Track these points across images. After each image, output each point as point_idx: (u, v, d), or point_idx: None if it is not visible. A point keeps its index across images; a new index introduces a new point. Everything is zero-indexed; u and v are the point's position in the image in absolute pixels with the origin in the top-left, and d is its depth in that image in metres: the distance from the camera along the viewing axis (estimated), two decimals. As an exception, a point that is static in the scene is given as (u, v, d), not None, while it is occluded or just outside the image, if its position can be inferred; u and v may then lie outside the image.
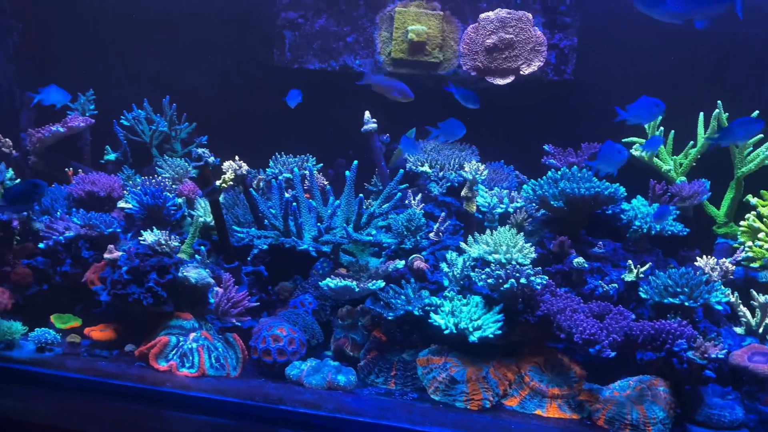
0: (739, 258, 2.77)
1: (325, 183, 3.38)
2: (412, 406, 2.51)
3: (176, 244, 2.67)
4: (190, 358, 2.65)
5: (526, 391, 2.58)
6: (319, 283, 2.74)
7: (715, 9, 2.34)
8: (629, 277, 2.68)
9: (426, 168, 3.23)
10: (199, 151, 2.72)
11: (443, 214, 3.02)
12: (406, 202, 3.14)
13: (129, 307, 2.70)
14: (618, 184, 2.84)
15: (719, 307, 2.51)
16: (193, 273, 2.70)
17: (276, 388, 2.58)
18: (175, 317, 2.73)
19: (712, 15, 2.38)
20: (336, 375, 2.61)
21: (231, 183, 2.81)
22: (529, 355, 2.65)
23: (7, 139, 3.22)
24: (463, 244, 2.80)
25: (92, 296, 2.92)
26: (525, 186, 2.94)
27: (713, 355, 2.33)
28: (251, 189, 2.98)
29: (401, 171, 2.99)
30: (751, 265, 2.79)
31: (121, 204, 2.96)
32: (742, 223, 2.85)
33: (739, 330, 2.62)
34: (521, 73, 3.25)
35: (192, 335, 2.69)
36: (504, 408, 2.53)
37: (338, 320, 2.90)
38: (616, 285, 2.67)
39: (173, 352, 2.66)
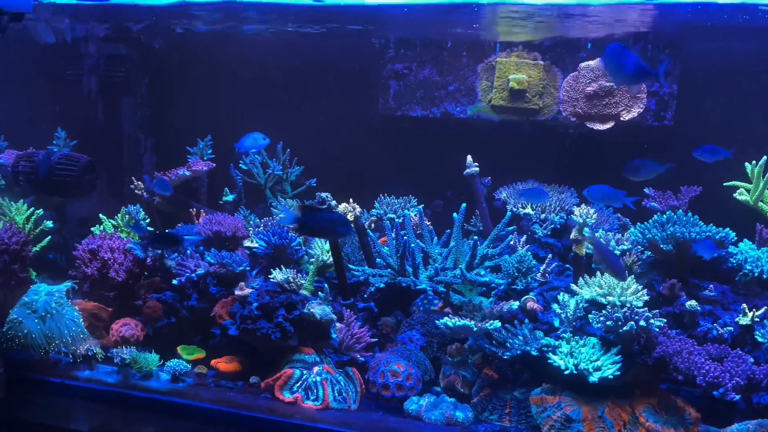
0: None
1: (428, 223, 3.53)
2: (533, 445, 2.59)
3: (303, 281, 2.85)
4: (315, 390, 2.80)
5: (641, 431, 2.63)
6: (436, 321, 2.86)
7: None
8: (744, 321, 2.72)
9: (529, 210, 3.36)
10: (323, 195, 2.92)
11: (549, 255, 3.13)
12: (511, 243, 3.25)
13: (256, 341, 2.88)
14: (728, 228, 2.90)
15: (842, 353, 2.53)
16: (318, 309, 2.87)
17: (398, 422, 2.70)
18: (297, 351, 2.90)
19: None
20: (454, 411, 2.71)
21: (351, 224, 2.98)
22: (641, 396, 2.69)
23: (140, 182, 3.51)
24: (574, 286, 2.89)
25: (209, 327, 3.12)
26: (632, 229, 3.02)
27: (840, 401, 2.35)
28: (369, 231, 3.16)
29: (509, 213, 3.11)
30: None
31: (247, 243, 3.17)
32: None
33: None
34: (621, 119, 3.36)
35: (315, 369, 2.84)
36: (620, 448, 2.58)
37: (447, 357, 3.00)
38: (731, 328, 2.72)
39: (298, 384, 2.82)
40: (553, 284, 3.06)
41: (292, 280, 2.84)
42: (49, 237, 3.49)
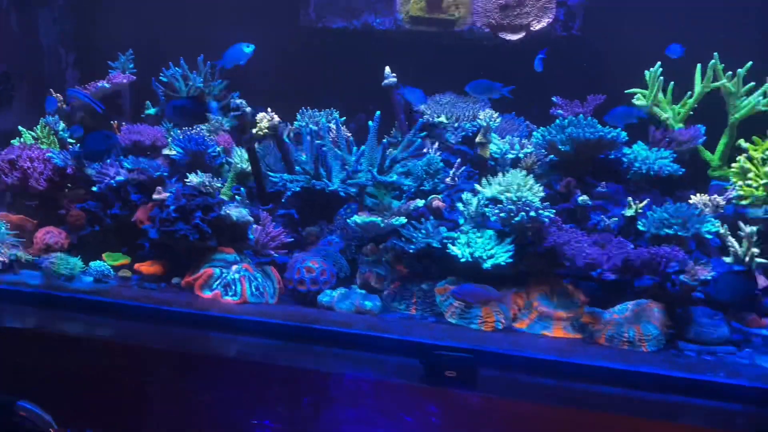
0: (731, 196, 3.03)
1: (348, 135, 3.65)
2: (433, 326, 2.81)
3: (218, 185, 2.96)
4: (233, 287, 2.96)
5: (534, 314, 2.87)
6: (347, 220, 3.02)
7: None
8: (629, 213, 2.95)
9: (443, 119, 3.50)
10: (237, 101, 3.00)
11: (459, 160, 3.30)
12: (425, 150, 3.40)
13: (176, 242, 3.00)
14: (620, 129, 3.10)
15: (709, 236, 2.78)
16: (234, 211, 3.00)
17: (311, 312, 2.88)
18: (218, 251, 3.04)
19: None
20: (363, 301, 2.91)
21: (266, 131, 3.08)
22: (536, 285, 2.92)
23: (59, 94, 3.51)
24: (477, 186, 3.07)
25: (137, 238, 3.23)
26: (535, 132, 3.20)
27: (702, 277, 2.62)
28: (285, 138, 3.26)
29: (420, 120, 3.25)
30: (741, 202, 3.04)
31: (166, 151, 3.25)
32: (733, 164, 3.10)
33: (728, 260, 2.87)
34: (531, 29, 3.49)
35: (234, 267, 3.00)
36: (514, 329, 2.82)
37: (364, 257, 3.18)
38: (616, 219, 2.95)
39: (217, 282, 2.97)
40: (461, 187, 3.23)
41: (207, 183, 2.94)
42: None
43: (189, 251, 3.03)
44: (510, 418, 2.27)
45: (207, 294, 2.95)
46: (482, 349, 2.52)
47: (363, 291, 2.99)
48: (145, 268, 3.12)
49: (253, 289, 2.97)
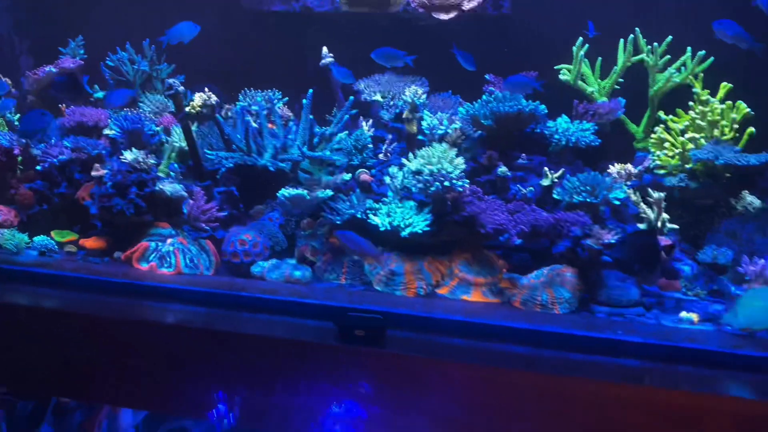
0: (648, 165, 3.14)
1: (290, 115, 3.77)
2: (358, 293, 2.93)
3: (153, 162, 3.09)
4: (168, 259, 3.09)
5: (455, 281, 2.99)
6: (277, 194, 3.15)
7: None
8: (546, 182, 3.06)
9: (378, 97, 3.61)
10: (170, 80, 3.12)
11: (390, 136, 3.41)
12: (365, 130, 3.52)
13: (114, 217, 3.13)
14: (538, 102, 3.20)
15: (617, 202, 2.89)
16: (169, 187, 3.13)
17: (243, 282, 3.01)
18: (154, 226, 3.17)
19: None
20: (293, 270, 3.04)
21: (199, 109, 3.21)
22: (459, 253, 3.04)
23: (7, 79, 3.65)
24: (404, 160, 3.18)
25: (87, 218, 3.36)
26: (460, 108, 3.31)
27: (606, 241, 2.73)
28: (218, 116, 3.38)
29: (351, 98, 3.37)
30: (659, 171, 3.15)
31: (106, 131, 3.38)
32: (652, 135, 3.21)
33: (642, 226, 2.98)
34: (462, 8, 3.59)
35: (169, 240, 3.13)
36: (436, 295, 2.93)
37: (301, 231, 3.31)
38: (533, 188, 3.06)
39: (153, 254, 3.11)
40: (393, 162, 3.35)
41: (141, 160, 3.07)
42: None
43: (127, 226, 3.17)
44: (417, 374, 2.39)
45: (144, 266, 3.08)
46: (393, 311, 2.64)
47: (294, 262, 3.12)
48: (90, 243, 3.26)
49: (187, 261, 3.10)
